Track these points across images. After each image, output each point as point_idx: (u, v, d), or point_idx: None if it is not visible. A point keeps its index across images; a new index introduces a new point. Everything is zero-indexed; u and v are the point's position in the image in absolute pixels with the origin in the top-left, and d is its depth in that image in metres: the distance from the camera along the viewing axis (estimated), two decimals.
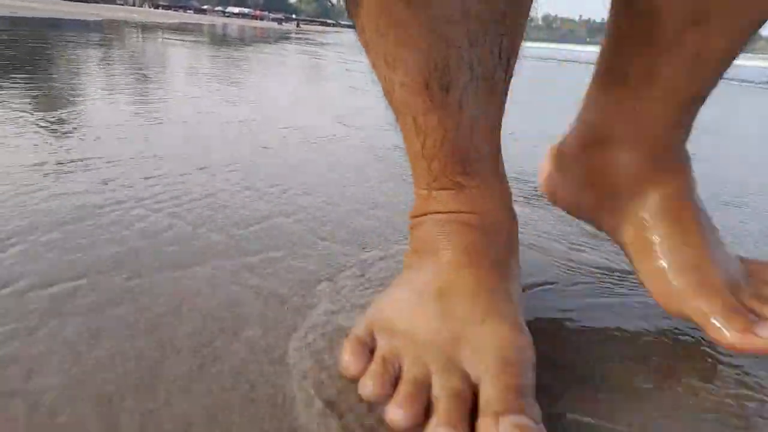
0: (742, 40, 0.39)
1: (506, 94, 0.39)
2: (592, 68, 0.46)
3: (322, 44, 6.43)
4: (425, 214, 0.41)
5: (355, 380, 0.33)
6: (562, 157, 0.49)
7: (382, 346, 0.34)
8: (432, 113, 0.37)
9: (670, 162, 0.44)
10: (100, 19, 6.78)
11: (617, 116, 0.44)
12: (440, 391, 0.31)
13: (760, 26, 0.39)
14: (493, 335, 0.34)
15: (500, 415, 0.29)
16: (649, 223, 0.43)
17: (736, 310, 0.38)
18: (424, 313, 0.35)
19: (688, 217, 0.42)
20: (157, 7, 40.09)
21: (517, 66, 0.37)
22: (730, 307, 0.38)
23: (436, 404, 0.30)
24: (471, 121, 0.37)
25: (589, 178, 0.46)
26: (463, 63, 0.35)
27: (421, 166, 0.40)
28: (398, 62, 0.35)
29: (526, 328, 0.36)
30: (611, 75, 0.44)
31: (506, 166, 0.44)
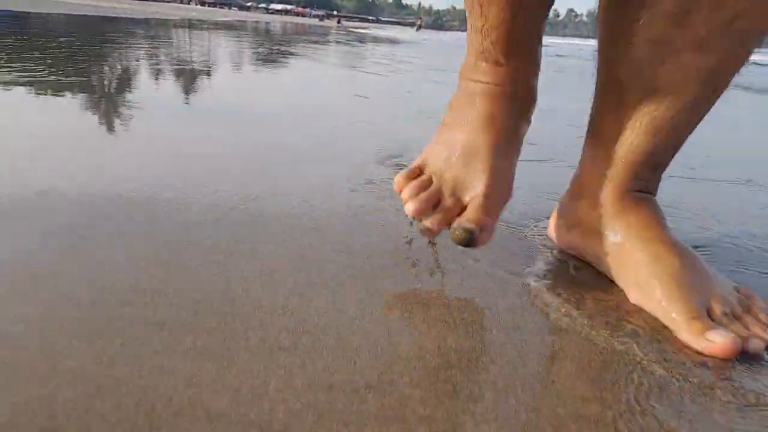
0: (693, 113, 0.47)
1: None
2: None
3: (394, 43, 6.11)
4: (468, 78, 0.55)
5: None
6: (560, 206, 0.58)
7: (426, 174, 0.53)
8: (494, 4, 0.48)
9: (633, 201, 0.51)
10: (176, 18, 6.82)
11: (588, 171, 0.54)
12: (444, 201, 0.51)
13: (708, 102, 0.46)
14: (485, 178, 0.51)
15: (459, 221, 0.49)
16: (621, 248, 0.50)
17: (696, 317, 0.43)
18: (452, 161, 0.52)
19: (652, 238, 0.49)
20: (203, 4, 40.70)
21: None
22: (692, 315, 0.43)
23: (439, 207, 0.51)
24: (524, 14, 0.49)
25: (574, 221, 0.55)
26: None
27: (476, 39, 0.51)
28: None
29: (505, 178, 0.52)
30: (589, 131, 0.54)
31: None
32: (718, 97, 0.46)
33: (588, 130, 0.54)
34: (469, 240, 0.48)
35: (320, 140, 0.97)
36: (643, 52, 0.45)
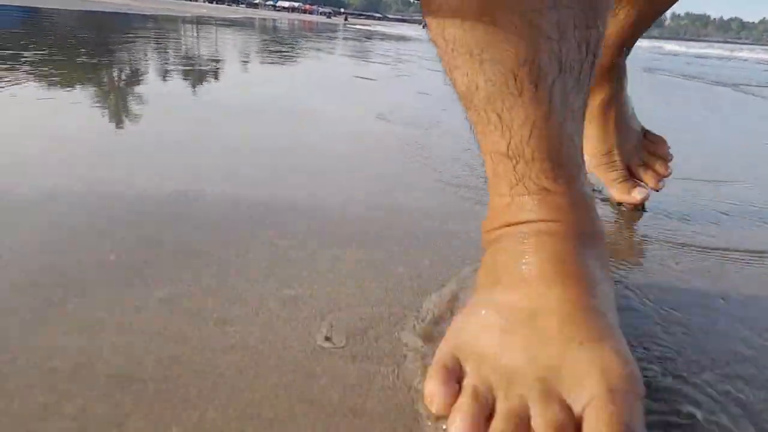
0: None
1: (588, 94, 0.37)
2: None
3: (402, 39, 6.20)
4: (506, 226, 0.36)
5: (442, 416, 0.29)
6: None
7: (471, 374, 0.31)
8: (519, 108, 0.34)
9: (601, 79, 0.61)
10: (189, 15, 6.93)
11: None
12: (540, 423, 0.28)
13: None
14: (596, 361, 0.29)
15: None
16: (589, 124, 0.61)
17: (624, 180, 0.65)
18: (515, 338, 0.31)
19: (610, 118, 0.64)
20: (211, 1, 40.87)
21: None
22: (622, 179, 0.65)
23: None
24: (559, 117, 0.35)
25: None
26: (554, 56, 0.33)
27: (504, 169, 0.36)
28: (485, 55, 0.33)
29: (631, 355, 0.31)
30: None
31: None
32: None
33: None
34: None
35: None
36: None
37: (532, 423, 0.28)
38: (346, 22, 21.04)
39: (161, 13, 6.61)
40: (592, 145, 0.65)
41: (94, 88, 1.19)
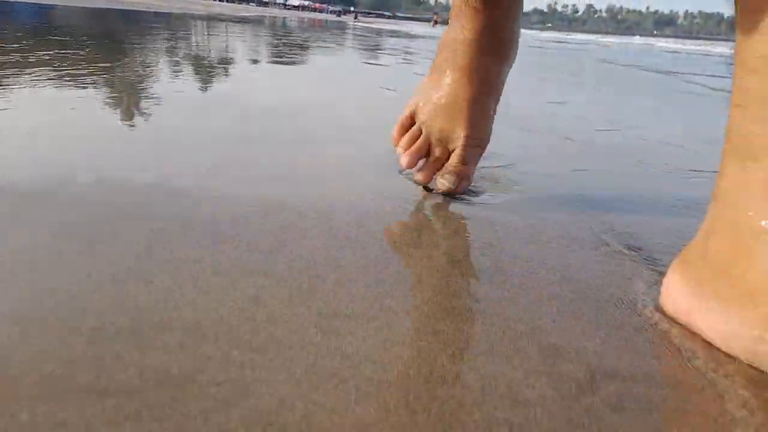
0: None
1: None
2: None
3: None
4: (454, 20, 0.59)
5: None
6: (688, 255, 0.43)
7: (414, 127, 0.61)
8: None
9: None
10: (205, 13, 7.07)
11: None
12: (436, 152, 0.60)
13: None
14: (461, 133, 0.58)
15: (444, 173, 0.58)
16: None
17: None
18: (435, 113, 0.59)
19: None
20: None
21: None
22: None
23: (430, 157, 0.60)
24: None
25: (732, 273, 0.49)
26: None
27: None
28: None
29: (482, 131, 0.60)
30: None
31: None
32: None
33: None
34: (450, 191, 0.57)
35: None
36: None
37: (430, 152, 0.60)
38: (356, 20, 21.17)
39: (175, 11, 6.76)
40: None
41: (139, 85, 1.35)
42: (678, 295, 0.36)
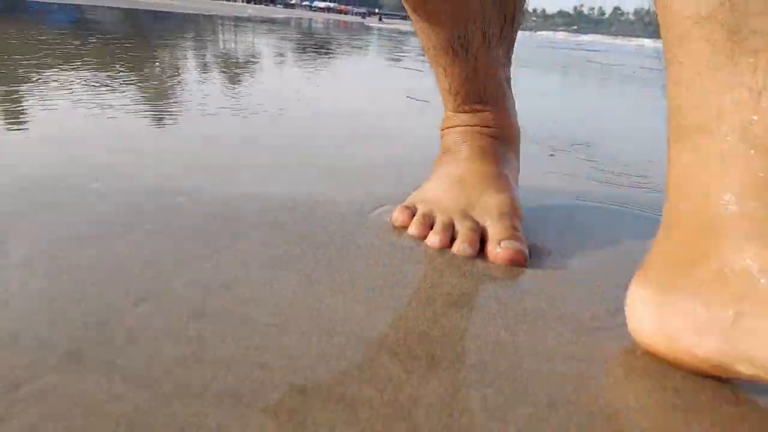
0: None
1: (513, 44, 0.55)
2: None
3: None
4: (450, 128, 0.56)
5: (404, 229, 0.50)
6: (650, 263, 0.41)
7: (421, 209, 0.51)
8: (455, 65, 0.52)
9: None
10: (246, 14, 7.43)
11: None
12: (460, 228, 0.48)
13: None
14: (495, 199, 0.50)
15: (501, 240, 0.46)
16: None
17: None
18: (449, 191, 0.51)
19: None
20: (249, 1, 41.50)
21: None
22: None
23: (459, 235, 0.47)
24: (484, 68, 0.53)
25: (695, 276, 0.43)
26: (478, 30, 0.51)
27: (448, 99, 0.56)
28: (431, 36, 0.52)
29: (518, 201, 0.51)
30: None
31: None
32: None
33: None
34: (520, 261, 0.45)
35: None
36: None
37: (456, 229, 0.47)
38: (380, 22, 21.42)
39: (203, 12, 6.91)
40: None
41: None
42: (640, 308, 0.33)
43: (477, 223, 0.48)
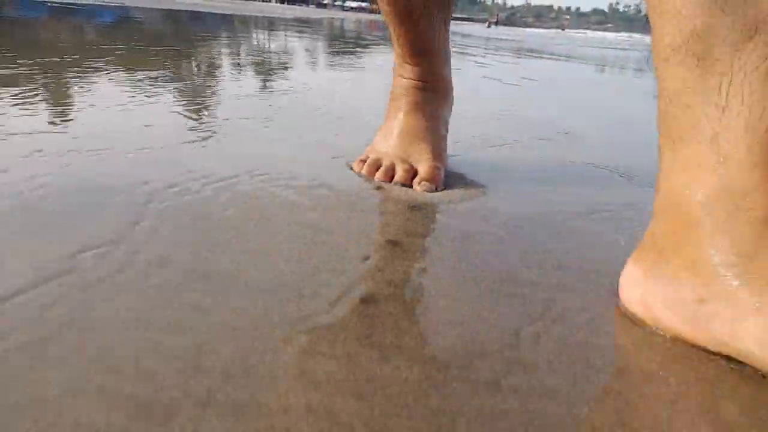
0: None
1: (450, 14, 0.69)
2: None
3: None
4: (399, 76, 0.71)
5: (360, 175, 0.68)
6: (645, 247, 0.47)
7: (372, 157, 0.69)
8: (402, 26, 0.65)
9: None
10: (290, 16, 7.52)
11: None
12: (398, 170, 0.66)
13: None
14: (424, 148, 0.68)
15: (421, 181, 0.64)
16: None
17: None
18: (391, 142, 0.69)
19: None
20: (283, 2, 41.17)
21: None
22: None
23: (396, 174, 0.66)
24: (425, 29, 0.66)
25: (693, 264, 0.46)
26: (420, 2, 0.63)
27: (396, 51, 0.70)
28: (387, 12, 0.65)
29: (446, 150, 0.72)
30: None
31: None
32: None
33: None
34: (432, 191, 0.64)
35: None
36: None
37: (395, 172, 0.66)
38: None
39: (239, 13, 6.84)
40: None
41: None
42: (630, 281, 0.39)
43: (411, 165, 0.67)
